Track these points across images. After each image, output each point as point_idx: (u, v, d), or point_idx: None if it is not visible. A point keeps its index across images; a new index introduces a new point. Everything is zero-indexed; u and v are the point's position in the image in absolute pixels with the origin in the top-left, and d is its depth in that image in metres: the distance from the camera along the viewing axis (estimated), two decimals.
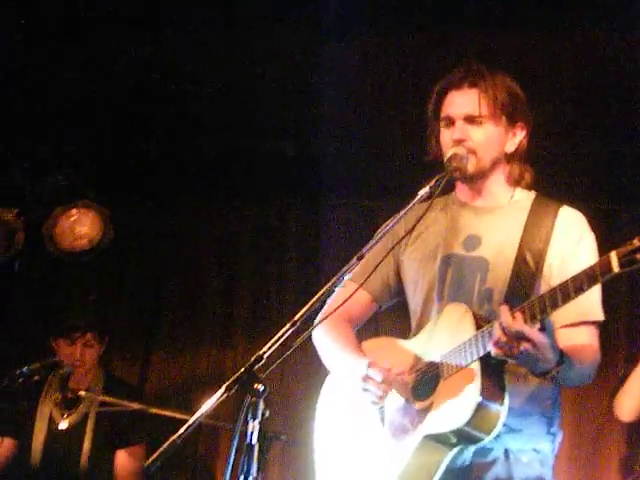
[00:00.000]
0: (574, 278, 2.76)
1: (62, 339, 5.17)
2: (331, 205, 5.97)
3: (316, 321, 3.04)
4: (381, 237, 3.02)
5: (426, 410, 3.09)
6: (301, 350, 2.84)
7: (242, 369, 2.69)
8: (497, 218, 3.27)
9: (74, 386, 5.08)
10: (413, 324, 3.37)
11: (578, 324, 3.13)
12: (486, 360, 2.94)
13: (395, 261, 3.42)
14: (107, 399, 4.97)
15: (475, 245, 3.24)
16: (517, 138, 3.27)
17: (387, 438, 3.21)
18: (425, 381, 3.15)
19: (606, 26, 4.47)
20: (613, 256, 2.66)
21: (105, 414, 5.06)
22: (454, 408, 2.99)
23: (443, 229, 3.33)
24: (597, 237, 3.22)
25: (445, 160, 3.19)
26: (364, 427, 3.29)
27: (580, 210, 3.27)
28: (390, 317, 4.13)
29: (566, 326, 3.12)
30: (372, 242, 2.98)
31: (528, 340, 2.81)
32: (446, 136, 3.25)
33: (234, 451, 2.63)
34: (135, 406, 4.87)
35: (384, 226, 3.09)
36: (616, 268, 2.64)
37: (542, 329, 2.87)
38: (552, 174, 3.46)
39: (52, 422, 5.13)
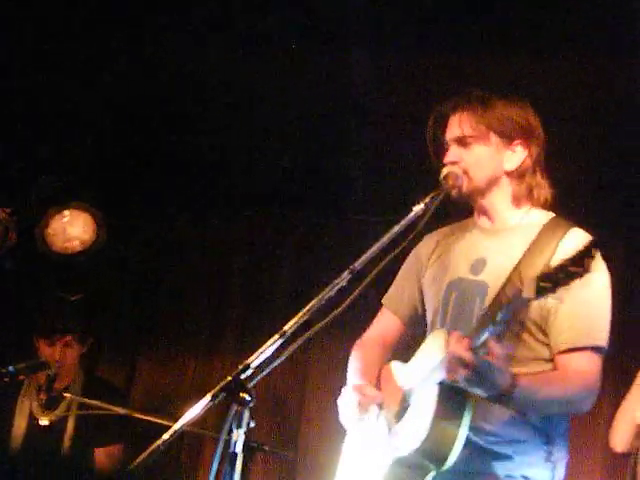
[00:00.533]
0: (494, 298, 2.93)
1: (42, 339, 5.16)
2: (328, 219, 5.98)
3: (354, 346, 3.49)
4: (373, 253, 3.02)
5: (395, 436, 3.18)
6: (290, 361, 2.83)
7: (229, 377, 2.69)
8: (503, 240, 3.27)
9: (56, 385, 5.07)
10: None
11: (571, 350, 3.10)
12: (442, 384, 3.00)
13: (418, 284, 3.46)
14: (89, 401, 4.95)
15: (480, 269, 3.26)
16: (516, 156, 3.27)
17: (375, 465, 3.25)
18: (404, 408, 3.22)
19: (615, 52, 4.49)
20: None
21: (87, 414, 5.05)
22: (413, 429, 3.06)
23: (456, 253, 3.36)
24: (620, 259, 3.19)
25: (440, 178, 3.23)
26: (363, 453, 3.34)
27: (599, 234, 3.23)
28: None
29: (560, 352, 3.11)
30: (365, 257, 2.99)
31: (467, 365, 2.84)
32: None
33: (218, 460, 2.63)
34: (118, 410, 4.86)
35: (379, 242, 3.08)
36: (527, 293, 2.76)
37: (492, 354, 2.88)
38: (569, 197, 3.45)
39: (32, 418, 5.12)
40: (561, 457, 3.19)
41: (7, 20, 4.62)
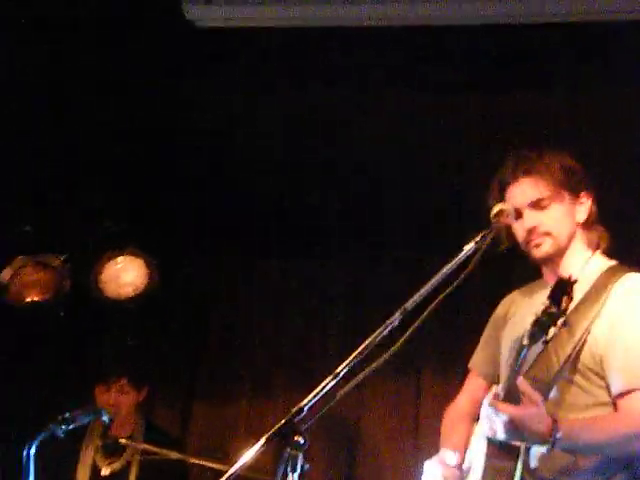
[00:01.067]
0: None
1: (98, 386, 5.19)
2: (377, 258, 5.98)
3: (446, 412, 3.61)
4: (424, 292, 3.01)
5: None
6: (342, 402, 2.83)
7: (283, 420, 2.68)
8: None
9: (115, 433, 5.08)
10: None
11: (627, 392, 3.08)
12: (488, 440, 3.08)
13: (499, 341, 3.50)
14: (149, 447, 4.96)
15: None
16: (584, 207, 3.34)
17: None
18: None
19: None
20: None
21: (148, 464, 5.05)
22: None
23: (526, 310, 3.36)
24: None
25: (491, 216, 3.22)
26: None
27: None
28: None
29: (617, 396, 3.10)
30: (416, 297, 2.97)
31: (501, 416, 2.91)
32: (518, 227, 3.32)
33: None
34: (175, 455, 4.86)
35: (429, 282, 3.08)
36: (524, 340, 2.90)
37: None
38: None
39: (95, 469, 5.13)
40: None
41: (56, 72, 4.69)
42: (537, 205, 3.27)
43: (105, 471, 5.10)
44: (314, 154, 5.22)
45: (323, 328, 6.12)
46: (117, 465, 5.12)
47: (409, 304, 2.94)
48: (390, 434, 5.91)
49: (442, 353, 5.80)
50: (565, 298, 2.86)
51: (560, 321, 2.87)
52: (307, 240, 5.88)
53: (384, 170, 5.30)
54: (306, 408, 2.70)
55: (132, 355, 5.55)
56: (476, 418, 3.49)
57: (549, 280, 3.34)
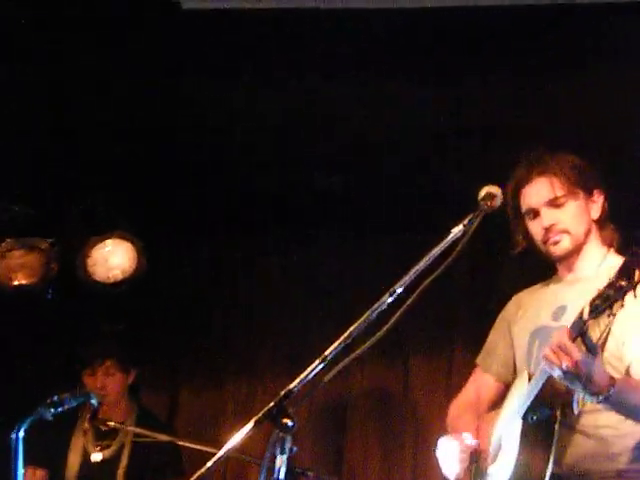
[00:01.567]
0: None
1: (85, 370, 5.18)
2: (369, 239, 5.98)
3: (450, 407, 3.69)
4: (414, 274, 3.00)
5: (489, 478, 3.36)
6: (330, 385, 2.83)
7: (272, 403, 2.69)
8: (584, 285, 3.34)
9: (105, 417, 5.08)
10: None
11: None
12: (525, 419, 3.15)
13: (510, 339, 3.60)
14: (139, 430, 4.96)
15: (560, 315, 3.39)
16: (598, 204, 3.46)
17: None
18: (497, 452, 3.38)
19: None
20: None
21: (139, 448, 5.05)
22: (503, 470, 3.22)
23: (540, 305, 3.51)
24: None
25: (479, 198, 3.21)
26: None
27: None
28: None
29: None
30: (405, 279, 2.97)
31: (569, 355, 2.90)
32: (535, 226, 3.45)
33: None
34: (167, 438, 4.88)
35: (418, 264, 3.08)
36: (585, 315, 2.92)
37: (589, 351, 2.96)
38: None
39: (86, 453, 5.13)
40: None
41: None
42: (554, 203, 3.39)
43: (96, 457, 5.11)
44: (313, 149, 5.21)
45: (311, 312, 6.12)
46: (108, 450, 5.13)
47: (397, 286, 2.94)
48: (378, 418, 5.92)
49: (430, 338, 5.81)
50: (638, 272, 2.86)
51: (631, 293, 2.88)
52: (307, 234, 5.90)
53: (386, 165, 5.30)
54: (294, 391, 2.71)
55: (116, 337, 5.53)
56: (494, 406, 3.57)
57: (564, 275, 3.49)
